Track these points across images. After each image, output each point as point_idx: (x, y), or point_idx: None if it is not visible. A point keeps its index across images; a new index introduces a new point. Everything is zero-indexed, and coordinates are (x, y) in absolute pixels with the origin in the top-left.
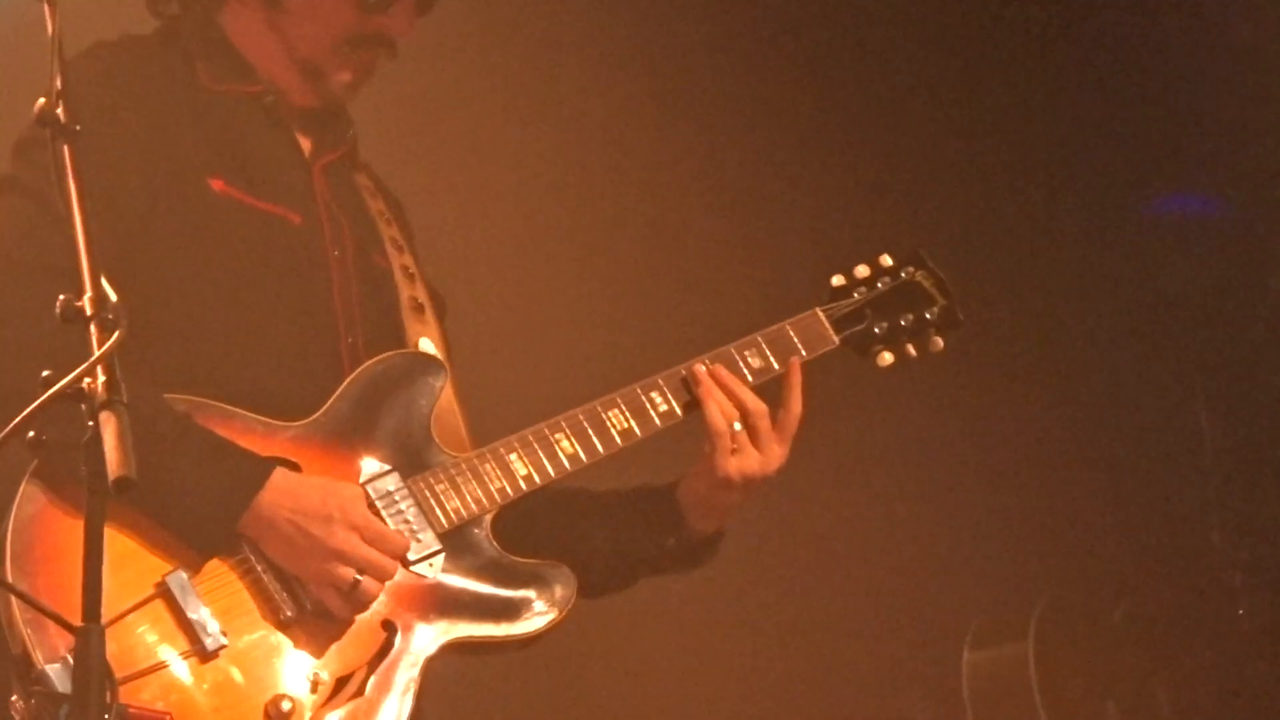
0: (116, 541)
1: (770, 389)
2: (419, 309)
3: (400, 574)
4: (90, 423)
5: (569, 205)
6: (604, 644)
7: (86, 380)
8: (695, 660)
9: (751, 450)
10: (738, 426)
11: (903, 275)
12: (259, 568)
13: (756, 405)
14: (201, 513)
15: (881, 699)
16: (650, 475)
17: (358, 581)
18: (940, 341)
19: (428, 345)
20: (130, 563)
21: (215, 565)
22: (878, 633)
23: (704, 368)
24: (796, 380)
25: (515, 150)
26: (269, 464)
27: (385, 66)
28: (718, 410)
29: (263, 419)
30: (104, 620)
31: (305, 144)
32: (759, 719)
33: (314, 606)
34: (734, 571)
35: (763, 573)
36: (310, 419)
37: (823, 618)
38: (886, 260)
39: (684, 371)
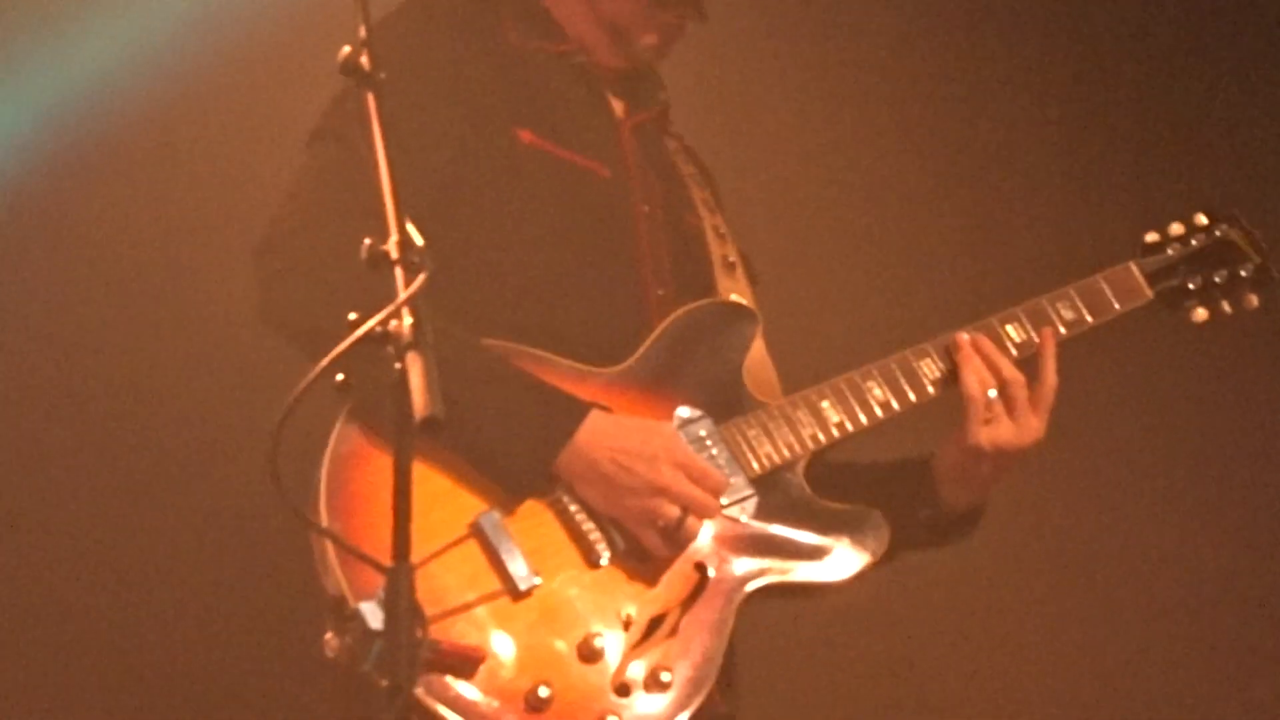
0: (432, 480)
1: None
2: (730, 267)
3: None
4: (397, 365)
5: (874, 165)
6: (937, 606)
7: (392, 323)
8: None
9: (1006, 420)
10: (993, 394)
11: (1217, 233)
12: (572, 508)
13: (1014, 375)
14: (518, 451)
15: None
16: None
17: (681, 519)
18: (1255, 299)
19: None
20: (445, 501)
21: (528, 505)
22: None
23: (966, 336)
24: (1050, 351)
25: (820, 117)
26: (586, 404)
27: (700, 38)
28: (974, 378)
29: (575, 364)
30: (416, 560)
31: (616, 104)
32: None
33: (628, 546)
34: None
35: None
36: (622, 366)
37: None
38: (1201, 219)
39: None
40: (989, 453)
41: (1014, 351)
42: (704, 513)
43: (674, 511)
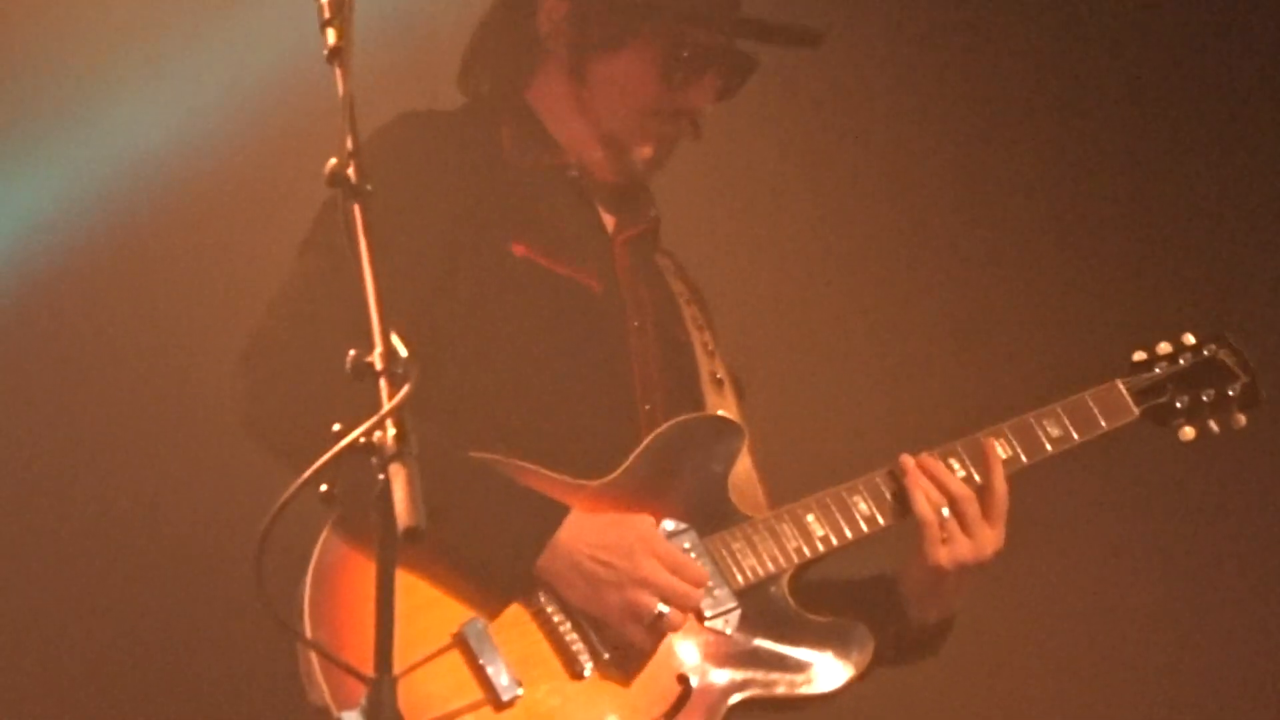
0: (418, 589)
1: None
2: (718, 384)
3: (696, 629)
4: (381, 475)
5: (863, 280)
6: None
7: (376, 433)
8: None
9: (962, 537)
10: (946, 513)
11: (1205, 352)
12: (555, 617)
13: (962, 491)
14: (499, 554)
15: None
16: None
17: (662, 612)
18: (1243, 419)
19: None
20: (430, 610)
21: (513, 614)
22: None
23: (910, 459)
24: (992, 460)
25: (809, 233)
26: (564, 506)
27: (689, 155)
28: (924, 499)
29: (561, 476)
30: (399, 670)
31: (608, 219)
32: None
33: (612, 656)
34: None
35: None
36: (608, 478)
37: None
38: (1189, 338)
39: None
40: (950, 570)
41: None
42: (684, 604)
43: (654, 603)
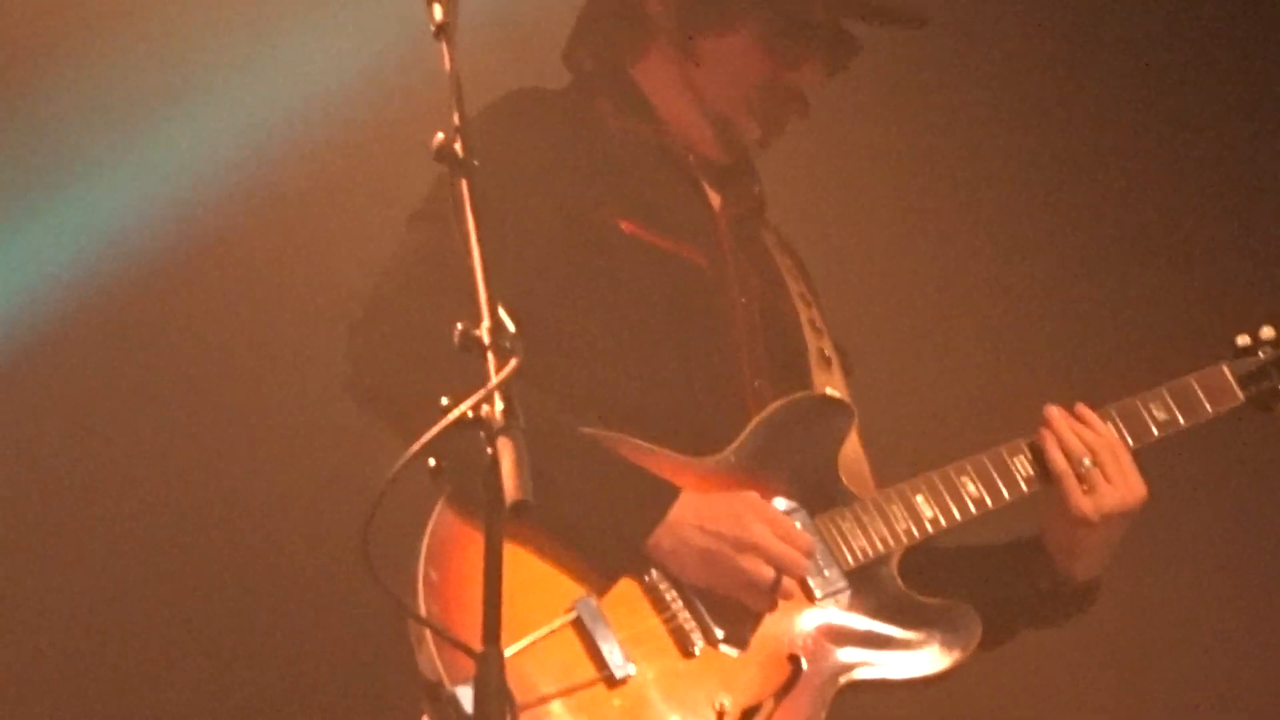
0: (532, 564)
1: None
2: (826, 361)
3: (806, 609)
4: (489, 449)
5: (972, 261)
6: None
7: (484, 408)
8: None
9: (1105, 485)
10: (1088, 464)
11: None
12: (667, 594)
13: (1097, 440)
14: (611, 531)
15: None
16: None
17: (776, 576)
18: None
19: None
20: (545, 586)
21: (624, 591)
22: None
23: (1054, 410)
24: (1090, 415)
25: (915, 211)
26: (676, 487)
27: (795, 131)
28: (1057, 452)
29: (671, 453)
30: (512, 646)
31: (713, 196)
32: None
33: (724, 632)
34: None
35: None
36: (718, 456)
37: None
38: None
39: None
40: (1097, 521)
41: None
42: (794, 570)
43: (768, 571)
